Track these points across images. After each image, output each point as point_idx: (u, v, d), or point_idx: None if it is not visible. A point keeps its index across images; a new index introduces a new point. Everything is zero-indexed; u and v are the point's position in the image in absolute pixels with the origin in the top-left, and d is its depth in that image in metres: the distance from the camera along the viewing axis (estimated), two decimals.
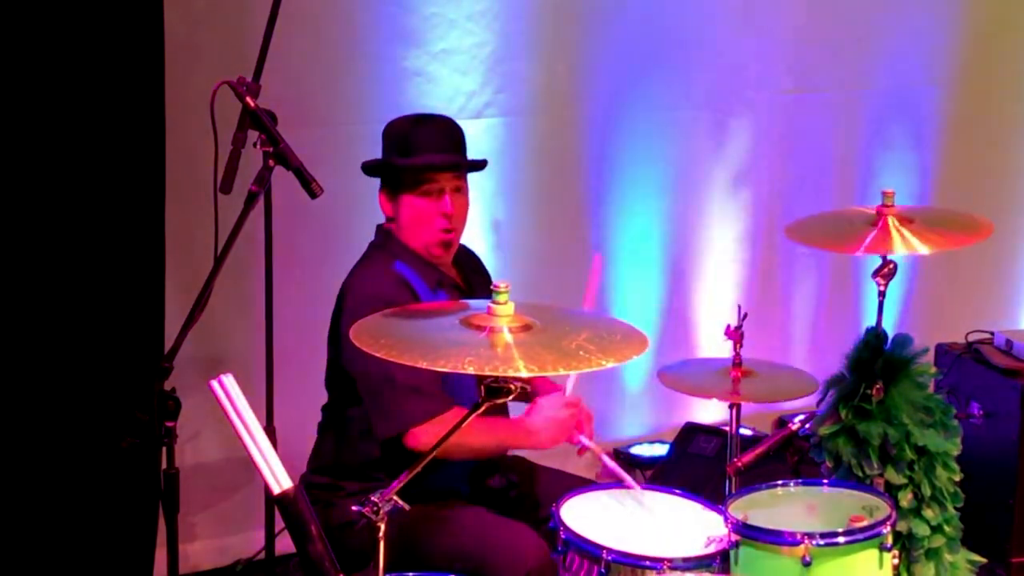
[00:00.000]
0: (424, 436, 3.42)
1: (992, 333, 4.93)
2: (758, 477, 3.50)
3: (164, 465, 3.32)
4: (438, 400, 3.45)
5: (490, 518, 3.50)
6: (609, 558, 3.10)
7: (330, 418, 3.72)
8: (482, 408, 2.78)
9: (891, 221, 3.72)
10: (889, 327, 3.72)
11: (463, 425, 2.86)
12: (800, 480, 3.50)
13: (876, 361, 3.60)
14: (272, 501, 2.99)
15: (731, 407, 3.79)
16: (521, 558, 3.34)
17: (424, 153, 3.58)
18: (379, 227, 3.73)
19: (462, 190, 3.65)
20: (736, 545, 3.15)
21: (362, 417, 3.55)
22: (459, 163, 3.64)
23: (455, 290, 3.66)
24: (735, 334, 3.77)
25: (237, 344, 4.35)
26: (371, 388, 3.51)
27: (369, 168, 3.71)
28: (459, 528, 3.44)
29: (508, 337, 2.77)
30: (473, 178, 3.73)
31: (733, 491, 3.50)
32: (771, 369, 3.95)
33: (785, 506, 3.37)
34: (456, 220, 3.63)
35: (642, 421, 5.22)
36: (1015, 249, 5.73)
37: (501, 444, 3.58)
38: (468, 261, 3.82)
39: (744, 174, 5.31)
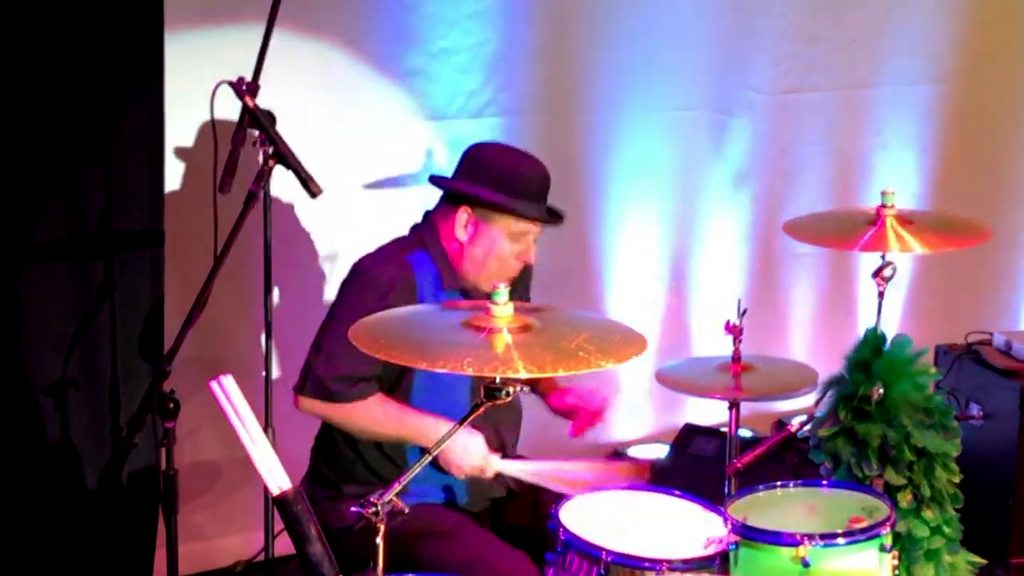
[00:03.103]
0: (308, 406, 3.50)
1: (991, 334, 4.93)
2: (757, 478, 3.50)
3: (163, 466, 3.32)
4: (346, 384, 3.45)
5: (490, 544, 3.48)
6: (608, 559, 3.09)
7: (327, 429, 3.70)
8: (481, 409, 2.79)
9: (890, 221, 3.74)
10: (889, 328, 3.73)
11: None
12: (800, 481, 3.50)
13: (875, 362, 3.60)
14: (271, 502, 3.00)
15: (730, 407, 3.79)
16: None
17: (530, 200, 3.54)
18: (425, 215, 3.67)
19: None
20: (736, 546, 3.15)
21: None
22: (560, 221, 3.64)
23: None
24: (735, 329, 3.77)
25: (237, 345, 4.35)
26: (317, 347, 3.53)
27: (471, 193, 3.58)
28: (458, 551, 3.41)
29: (507, 338, 2.77)
30: None
31: (732, 492, 3.50)
32: (771, 363, 3.95)
33: (785, 507, 3.36)
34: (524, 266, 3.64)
35: (642, 421, 5.22)
36: (1014, 250, 5.72)
37: (403, 440, 3.55)
38: None
39: (744, 174, 5.31)
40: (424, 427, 3.47)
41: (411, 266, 3.55)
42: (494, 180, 3.54)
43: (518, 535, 3.55)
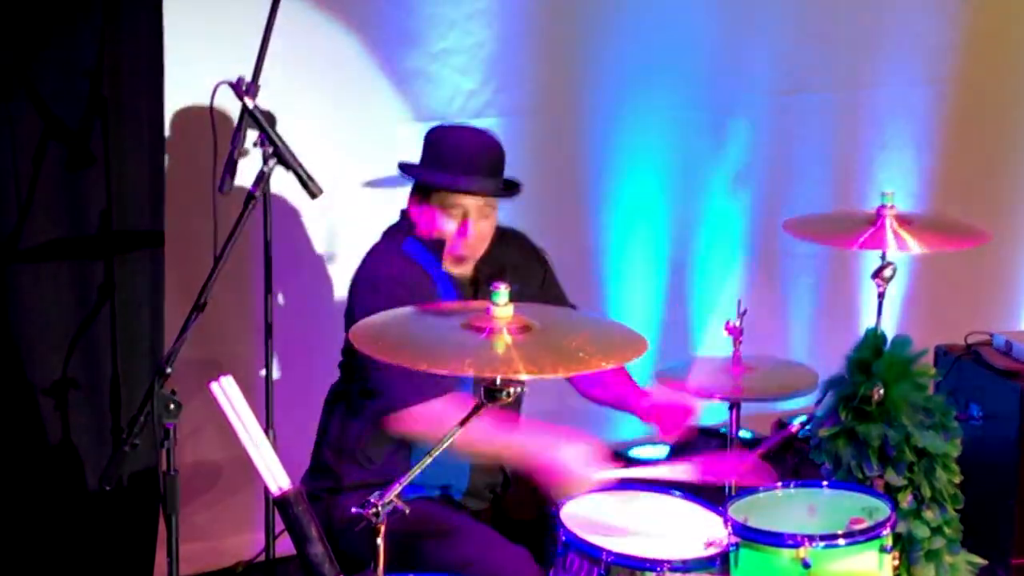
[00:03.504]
0: (410, 420, 3.38)
1: (991, 335, 4.92)
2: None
3: (164, 467, 3.32)
4: (432, 384, 3.35)
5: (491, 542, 3.47)
6: (609, 560, 3.09)
7: (332, 412, 3.71)
8: (482, 410, 2.79)
9: (889, 221, 3.75)
10: (889, 328, 3.73)
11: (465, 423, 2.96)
12: (800, 482, 3.50)
13: (876, 363, 3.60)
14: (272, 502, 3.00)
15: (731, 407, 3.79)
16: None
17: (457, 172, 3.53)
18: (402, 211, 3.72)
19: (489, 216, 3.61)
20: (736, 547, 3.15)
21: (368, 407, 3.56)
22: (487, 191, 3.57)
23: (462, 284, 3.64)
24: (735, 330, 3.77)
25: (237, 346, 4.35)
26: (374, 366, 3.41)
27: (403, 169, 3.68)
28: (459, 549, 3.41)
29: (507, 338, 2.77)
30: None
31: (733, 493, 3.50)
32: (771, 364, 3.96)
33: (785, 508, 3.36)
34: (473, 243, 3.59)
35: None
36: (1014, 251, 5.72)
37: (508, 457, 3.45)
38: (491, 259, 3.69)
39: (744, 174, 5.31)
40: (541, 447, 3.35)
41: (410, 254, 3.58)
42: (430, 158, 3.60)
43: (520, 529, 3.55)
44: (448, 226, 3.56)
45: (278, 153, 3.43)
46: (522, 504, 3.72)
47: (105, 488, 3.99)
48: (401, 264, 3.55)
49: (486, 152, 3.61)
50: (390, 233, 3.69)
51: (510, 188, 3.65)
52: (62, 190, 3.96)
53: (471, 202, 3.56)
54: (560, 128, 4.96)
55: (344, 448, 3.62)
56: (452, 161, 3.56)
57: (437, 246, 3.60)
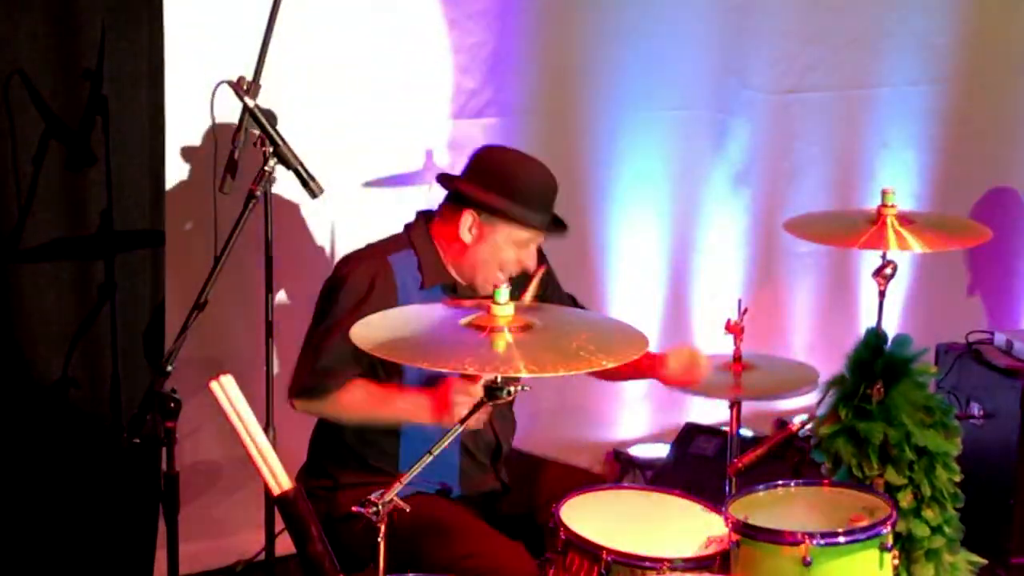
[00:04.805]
0: (302, 406, 3.51)
1: (992, 333, 4.93)
2: (758, 477, 3.50)
3: (164, 466, 3.32)
4: (331, 377, 3.45)
5: (487, 538, 3.46)
6: (609, 558, 3.10)
7: None
8: (482, 409, 2.79)
9: (890, 221, 3.76)
10: (889, 327, 3.73)
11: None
12: (800, 480, 3.50)
13: (876, 361, 3.60)
14: (272, 501, 3.00)
15: (731, 406, 3.79)
16: None
17: (536, 209, 3.53)
18: (419, 214, 3.69)
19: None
20: (737, 545, 3.15)
21: None
22: (562, 230, 3.62)
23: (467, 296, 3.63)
24: (735, 328, 3.77)
25: (237, 345, 4.35)
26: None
27: (461, 189, 3.58)
28: (456, 545, 3.41)
29: (508, 337, 2.77)
30: None
31: (733, 491, 3.50)
32: (772, 363, 3.96)
33: (785, 506, 3.36)
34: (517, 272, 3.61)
35: (642, 421, 5.22)
36: (1015, 249, 5.73)
37: (392, 419, 3.51)
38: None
39: (744, 174, 5.31)
40: (415, 406, 3.41)
41: (391, 265, 3.55)
42: (502, 186, 3.53)
43: (512, 525, 3.55)
44: (512, 255, 3.56)
45: (279, 152, 3.43)
46: (515, 500, 3.72)
47: (105, 487, 4.01)
48: (371, 271, 3.53)
49: (552, 186, 3.61)
50: (385, 242, 3.66)
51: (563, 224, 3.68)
52: (62, 190, 3.95)
53: (539, 239, 3.59)
54: (560, 128, 4.96)
55: (338, 456, 3.63)
56: (536, 199, 3.54)
57: (426, 269, 3.58)
